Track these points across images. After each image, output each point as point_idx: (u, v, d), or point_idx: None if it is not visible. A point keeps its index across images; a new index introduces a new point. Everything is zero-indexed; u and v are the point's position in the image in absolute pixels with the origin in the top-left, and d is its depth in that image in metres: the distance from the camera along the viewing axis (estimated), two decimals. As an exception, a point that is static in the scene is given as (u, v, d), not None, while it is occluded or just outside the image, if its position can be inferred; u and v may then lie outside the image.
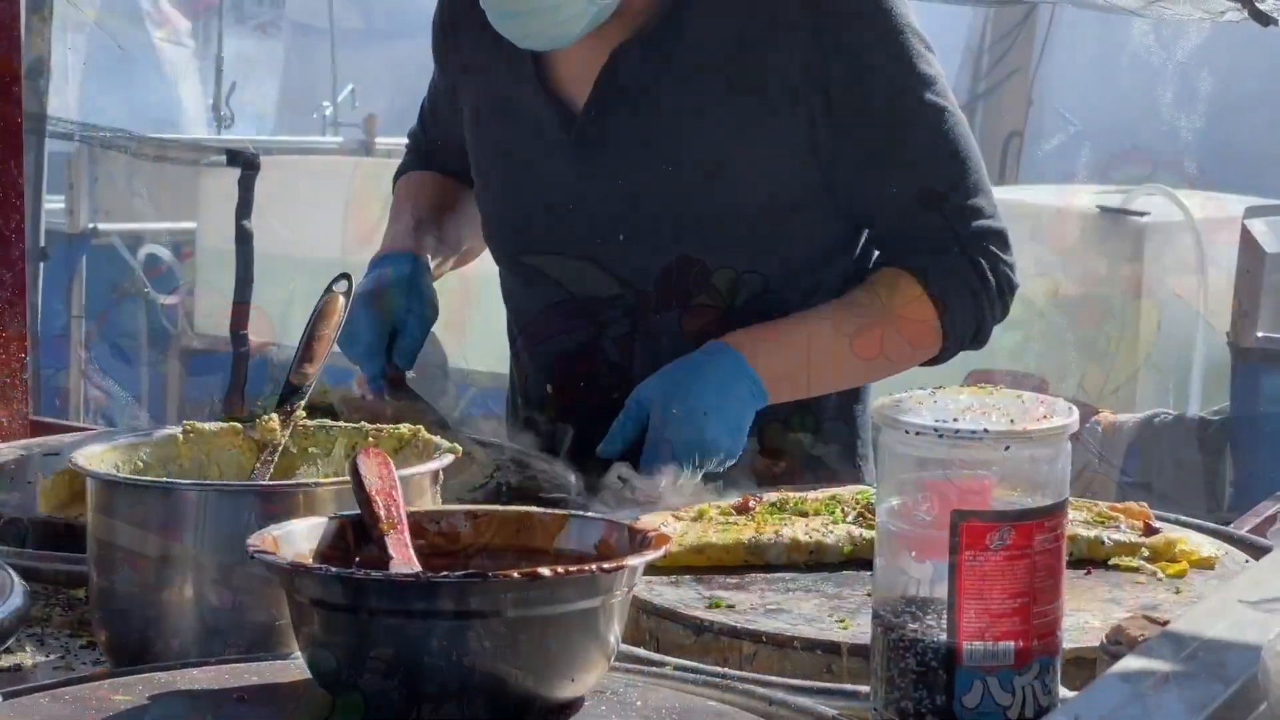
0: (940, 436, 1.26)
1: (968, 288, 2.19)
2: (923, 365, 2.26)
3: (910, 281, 2.18)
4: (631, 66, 2.20)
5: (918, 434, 1.26)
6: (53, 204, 7.69)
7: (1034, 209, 7.36)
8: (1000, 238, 2.22)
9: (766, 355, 2.12)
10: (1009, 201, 8.07)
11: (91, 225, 8.28)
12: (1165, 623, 1.29)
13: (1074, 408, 1.30)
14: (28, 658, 1.61)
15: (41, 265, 6.67)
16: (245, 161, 5.47)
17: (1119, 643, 1.29)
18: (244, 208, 5.45)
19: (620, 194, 2.21)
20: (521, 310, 2.36)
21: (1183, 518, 1.92)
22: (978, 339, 2.24)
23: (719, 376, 2.08)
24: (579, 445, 2.12)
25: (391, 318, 2.25)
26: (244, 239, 5.45)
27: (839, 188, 2.20)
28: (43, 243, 6.72)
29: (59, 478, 1.98)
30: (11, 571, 1.61)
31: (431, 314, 2.28)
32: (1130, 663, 1.05)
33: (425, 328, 2.28)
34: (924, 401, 1.30)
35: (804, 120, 2.15)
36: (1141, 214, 6.90)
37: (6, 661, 1.59)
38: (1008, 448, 1.25)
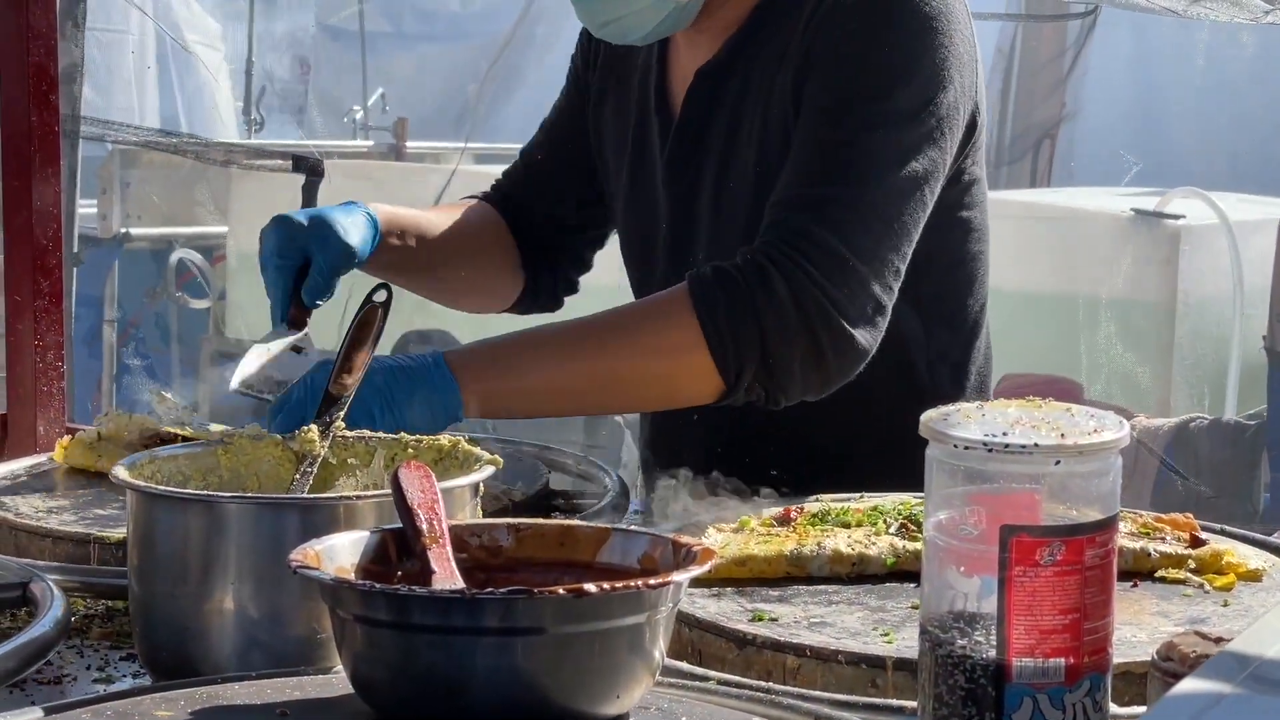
0: (989, 451, 1.24)
1: (746, 296, 1.93)
2: (719, 401, 1.99)
3: (683, 285, 1.97)
4: (711, 89, 2.17)
5: (966, 448, 1.25)
6: (85, 209, 7.71)
7: (1067, 212, 7.34)
8: (841, 269, 1.92)
9: (479, 381, 1.94)
10: (1042, 204, 8.10)
11: (124, 230, 8.31)
12: (1217, 639, 1.28)
13: (1124, 421, 1.28)
14: (68, 669, 1.61)
15: (75, 270, 6.69)
16: (310, 168, 5.46)
17: (1170, 659, 1.28)
18: None
19: (699, 217, 2.19)
20: None
21: (1228, 529, 1.90)
22: (769, 371, 1.95)
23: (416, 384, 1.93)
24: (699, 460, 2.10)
25: (301, 240, 2.05)
26: None
27: None
28: (76, 248, 6.74)
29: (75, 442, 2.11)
30: (51, 584, 1.61)
31: (346, 258, 2.07)
32: (1190, 684, 1.03)
33: (335, 265, 2.06)
34: (972, 415, 1.28)
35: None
36: (1176, 217, 6.87)
37: (47, 674, 1.58)
38: (1058, 462, 1.24)
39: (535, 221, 2.42)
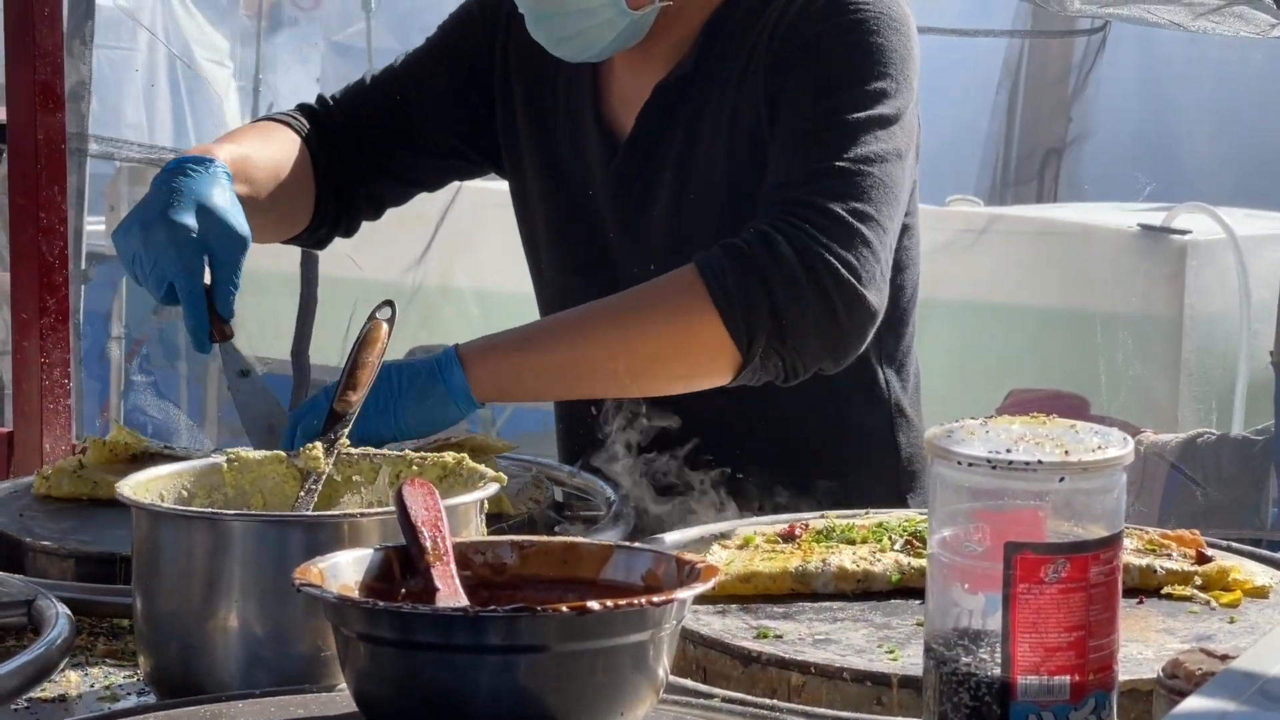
0: (993, 468, 1.24)
1: (752, 262, 1.93)
2: (738, 376, 1.97)
3: (691, 265, 1.97)
4: (668, 104, 2.19)
5: (970, 465, 1.25)
6: (93, 225, 7.72)
7: (1074, 227, 7.33)
8: (843, 229, 1.93)
9: (488, 360, 1.95)
10: (1048, 220, 8.09)
11: (131, 247, 8.30)
12: (1223, 656, 1.27)
13: (1129, 438, 1.28)
14: (72, 688, 1.61)
15: (83, 287, 6.69)
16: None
17: (1176, 676, 1.28)
18: None
19: (651, 226, 2.20)
20: None
21: (1235, 544, 1.90)
22: (782, 332, 1.93)
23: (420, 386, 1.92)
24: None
25: (200, 243, 1.91)
26: (309, 262, 5.43)
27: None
28: (84, 265, 6.74)
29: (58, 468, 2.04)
30: (56, 602, 1.61)
31: (244, 247, 1.95)
32: (1195, 701, 1.03)
33: (239, 262, 1.95)
34: (976, 432, 1.28)
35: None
36: (1183, 232, 6.86)
37: (51, 692, 1.58)
38: (1062, 479, 1.24)
39: (341, 166, 2.31)
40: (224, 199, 1.96)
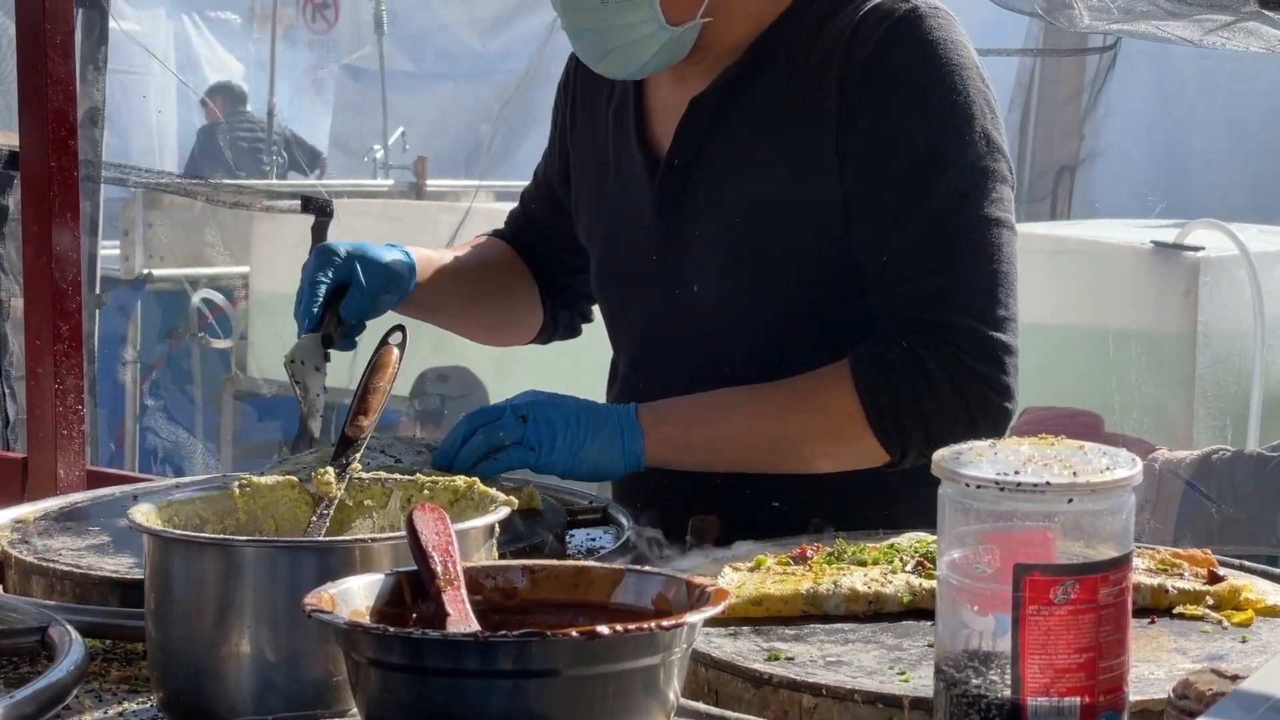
0: (1002, 490, 1.24)
1: (907, 384, 2.04)
2: (885, 468, 2.10)
3: (842, 369, 2.07)
4: (707, 119, 2.19)
5: (979, 487, 1.25)
6: (108, 250, 7.75)
7: (1086, 244, 7.33)
8: (985, 346, 2.05)
9: (663, 426, 2.07)
10: (1061, 237, 8.09)
11: (146, 271, 8.34)
12: (1234, 676, 1.27)
13: (1137, 459, 1.28)
14: (86, 714, 1.61)
15: (98, 312, 6.71)
16: (319, 208, 5.49)
17: (1187, 697, 1.27)
18: None
19: (693, 246, 2.20)
20: (620, 351, 2.35)
21: (1247, 564, 1.90)
22: (931, 445, 1.93)
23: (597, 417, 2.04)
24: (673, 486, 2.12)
25: (343, 267, 2.15)
26: None
27: (856, 250, 2.11)
28: (99, 289, 6.77)
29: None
30: (70, 627, 1.61)
31: (387, 279, 2.18)
32: (1202, 724, 1.03)
33: (376, 285, 2.16)
34: (984, 454, 1.28)
35: (834, 177, 2.09)
36: (1196, 248, 6.86)
37: (65, 718, 1.58)
38: (1070, 500, 1.24)
39: (543, 261, 2.50)
40: (383, 250, 2.20)
